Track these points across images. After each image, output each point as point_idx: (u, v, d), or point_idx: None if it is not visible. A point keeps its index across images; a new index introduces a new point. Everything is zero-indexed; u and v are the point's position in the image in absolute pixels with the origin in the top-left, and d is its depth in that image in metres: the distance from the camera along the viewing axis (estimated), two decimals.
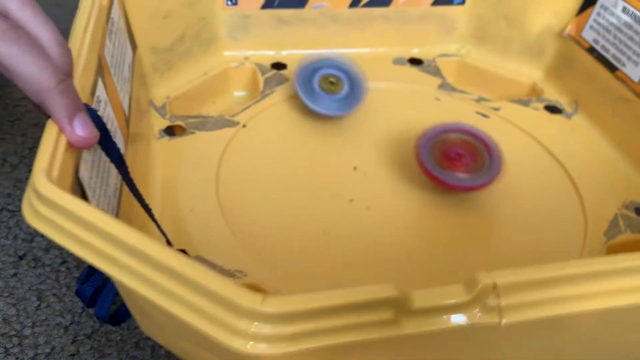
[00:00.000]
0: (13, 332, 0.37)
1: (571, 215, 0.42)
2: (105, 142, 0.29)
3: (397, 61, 0.59)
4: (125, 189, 0.33)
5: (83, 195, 0.27)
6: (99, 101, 0.32)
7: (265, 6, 0.55)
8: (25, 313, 0.38)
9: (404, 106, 0.53)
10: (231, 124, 0.48)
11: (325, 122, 0.50)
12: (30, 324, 0.37)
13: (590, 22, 0.51)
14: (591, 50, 0.51)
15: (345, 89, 0.48)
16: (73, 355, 0.35)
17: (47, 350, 0.36)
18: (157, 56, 0.50)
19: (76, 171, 0.26)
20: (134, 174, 0.38)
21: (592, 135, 0.50)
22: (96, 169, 0.29)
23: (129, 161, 0.37)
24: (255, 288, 0.34)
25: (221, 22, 0.55)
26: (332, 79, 0.47)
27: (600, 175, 0.45)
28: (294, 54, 0.57)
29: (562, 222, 0.41)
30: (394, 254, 0.38)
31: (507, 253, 0.39)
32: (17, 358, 0.35)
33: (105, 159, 0.31)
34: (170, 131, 0.47)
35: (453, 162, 0.40)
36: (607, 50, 0.50)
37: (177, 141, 0.46)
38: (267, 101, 0.51)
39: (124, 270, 0.19)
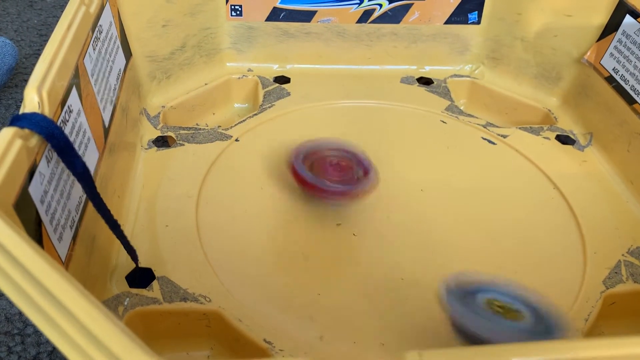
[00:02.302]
0: (16, 331, 0.37)
1: (570, 257, 0.38)
2: (67, 155, 0.28)
3: (405, 80, 0.56)
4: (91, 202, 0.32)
5: (32, 210, 0.26)
6: (70, 111, 0.31)
7: (270, 18, 0.54)
8: None
9: (407, 128, 0.51)
10: (224, 137, 0.47)
11: None
12: (32, 323, 0.37)
13: (611, 49, 0.48)
14: (610, 80, 0.48)
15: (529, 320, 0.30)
16: None
17: (49, 348, 0.36)
18: (155, 64, 0.49)
19: (27, 185, 0.25)
20: (110, 185, 0.37)
21: (603, 171, 0.46)
22: (55, 182, 0.28)
23: (104, 172, 0.36)
24: (215, 316, 0.32)
25: (225, 33, 0.54)
26: (507, 307, 0.30)
27: (607, 215, 0.42)
28: (299, 68, 0.56)
29: (559, 265, 0.38)
30: (377, 289, 0.36)
31: None
32: (20, 356, 0.35)
33: (68, 171, 0.30)
34: (163, 141, 0.46)
35: (326, 172, 0.40)
36: (626, 81, 0.46)
37: (165, 152, 0.45)
38: (265, 115, 0.50)
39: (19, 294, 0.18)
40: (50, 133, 0.26)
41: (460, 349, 0.17)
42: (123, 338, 0.18)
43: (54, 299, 0.19)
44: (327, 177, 0.40)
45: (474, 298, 0.30)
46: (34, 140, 0.25)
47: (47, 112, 0.27)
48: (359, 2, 0.54)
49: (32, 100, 0.26)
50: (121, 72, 0.42)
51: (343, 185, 0.40)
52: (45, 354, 0.36)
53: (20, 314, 0.38)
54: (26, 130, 0.25)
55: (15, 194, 0.24)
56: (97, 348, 0.18)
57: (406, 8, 0.55)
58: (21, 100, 0.59)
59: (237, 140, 0.47)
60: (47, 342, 0.36)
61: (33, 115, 0.26)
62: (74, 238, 0.30)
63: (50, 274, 0.19)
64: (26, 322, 0.37)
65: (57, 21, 0.33)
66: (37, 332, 0.37)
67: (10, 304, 0.38)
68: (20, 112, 0.26)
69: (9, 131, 0.24)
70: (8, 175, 0.23)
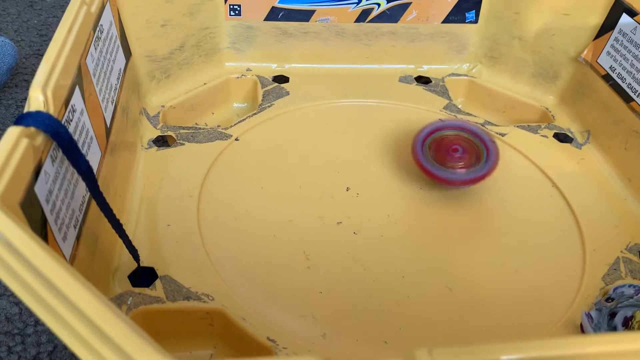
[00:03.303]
0: (16, 331, 0.37)
1: (569, 254, 0.39)
2: (72, 154, 0.28)
3: (404, 79, 0.57)
4: (94, 201, 0.32)
5: (38, 209, 0.26)
6: (74, 110, 0.31)
7: (269, 18, 0.54)
8: (28, 312, 0.38)
9: (405, 127, 0.51)
10: (223, 136, 0.47)
11: (322, 139, 0.48)
12: (32, 323, 0.37)
13: (607, 47, 0.49)
14: (607, 78, 0.49)
15: None
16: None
17: (50, 348, 0.36)
18: (154, 64, 0.49)
19: (32, 184, 0.25)
20: (112, 185, 0.37)
21: (601, 169, 0.47)
22: (60, 181, 0.28)
23: (106, 171, 0.36)
24: (218, 314, 0.32)
25: (224, 33, 0.54)
26: None
27: (605, 213, 0.42)
28: (297, 68, 0.56)
29: (559, 262, 0.38)
30: (378, 287, 0.36)
31: (492, 295, 0.36)
32: (20, 356, 0.35)
33: (72, 170, 0.30)
34: (163, 141, 0.46)
35: (449, 158, 0.42)
36: (623, 79, 0.47)
37: (165, 152, 0.45)
38: (264, 115, 0.50)
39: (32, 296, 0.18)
40: (56, 131, 0.26)
41: (470, 347, 0.18)
42: (134, 336, 0.18)
43: (64, 298, 0.19)
44: (451, 162, 0.41)
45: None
46: (40, 139, 0.25)
47: (52, 111, 0.27)
48: (357, 1, 0.54)
49: (37, 100, 0.26)
50: (121, 72, 0.42)
51: (468, 171, 0.41)
52: (46, 354, 0.36)
53: (20, 313, 0.38)
54: (32, 129, 0.25)
55: (22, 193, 0.24)
56: (109, 347, 0.18)
57: (404, 7, 0.55)
58: (21, 100, 0.59)
59: (237, 139, 0.47)
60: (47, 342, 0.36)
61: (38, 114, 0.26)
62: (78, 238, 0.30)
63: (60, 273, 0.19)
64: (26, 322, 0.37)
65: (58, 21, 0.33)
66: (37, 332, 0.37)
67: (11, 303, 0.38)
68: (25, 111, 0.26)
69: (15, 130, 0.24)
70: (15, 174, 0.23)
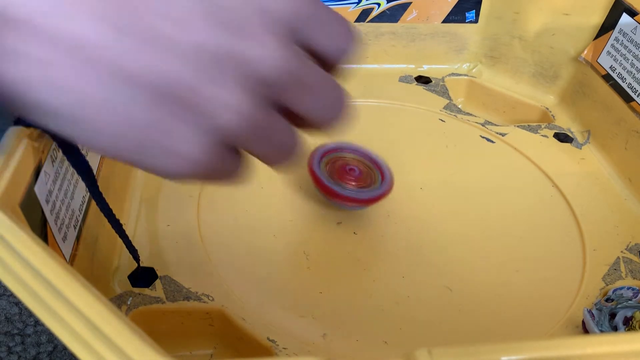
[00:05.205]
0: (16, 331, 0.37)
1: (569, 254, 0.39)
2: (72, 154, 0.28)
3: (404, 79, 0.57)
4: (94, 202, 0.32)
5: (38, 210, 0.26)
6: None
7: None
8: (28, 312, 0.37)
9: (405, 126, 0.51)
10: None
11: (322, 139, 0.48)
12: (32, 323, 0.37)
13: (608, 47, 0.49)
14: (607, 78, 0.49)
15: None
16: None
17: (49, 348, 0.36)
18: None
19: (32, 184, 0.25)
20: (112, 185, 0.37)
21: (601, 169, 0.47)
22: (60, 181, 0.28)
23: (106, 171, 0.36)
24: (218, 315, 0.32)
25: None
26: None
27: (606, 213, 0.42)
28: None
29: (558, 261, 0.38)
30: (378, 287, 0.36)
31: (492, 295, 0.36)
32: (20, 356, 0.35)
33: (72, 170, 0.30)
34: None
35: (345, 177, 0.40)
36: (623, 79, 0.47)
37: None
38: None
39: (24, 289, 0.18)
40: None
41: (470, 346, 0.18)
42: (134, 337, 0.18)
43: (64, 298, 0.19)
44: (345, 181, 0.40)
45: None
46: (40, 139, 0.25)
47: None
48: (357, 1, 0.54)
49: None
50: None
51: (360, 190, 0.39)
52: (45, 354, 0.36)
53: (20, 314, 0.38)
54: (32, 129, 0.25)
55: (22, 194, 0.24)
56: (108, 347, 0.18)
57: (404, 7, 0.55)
58: None
59: None
60: (47, 342, 0.36)
61: None
62: (78, 238, 0.30)
63: (60, 273, 0.19)
64: (26, 322, 0.37)
65: None
66: (37, 332, 0.37)
67: (11, 304, 0.38)
68: None
69: (15, 130, 0.24)
70: (15, 175, 0.23)
